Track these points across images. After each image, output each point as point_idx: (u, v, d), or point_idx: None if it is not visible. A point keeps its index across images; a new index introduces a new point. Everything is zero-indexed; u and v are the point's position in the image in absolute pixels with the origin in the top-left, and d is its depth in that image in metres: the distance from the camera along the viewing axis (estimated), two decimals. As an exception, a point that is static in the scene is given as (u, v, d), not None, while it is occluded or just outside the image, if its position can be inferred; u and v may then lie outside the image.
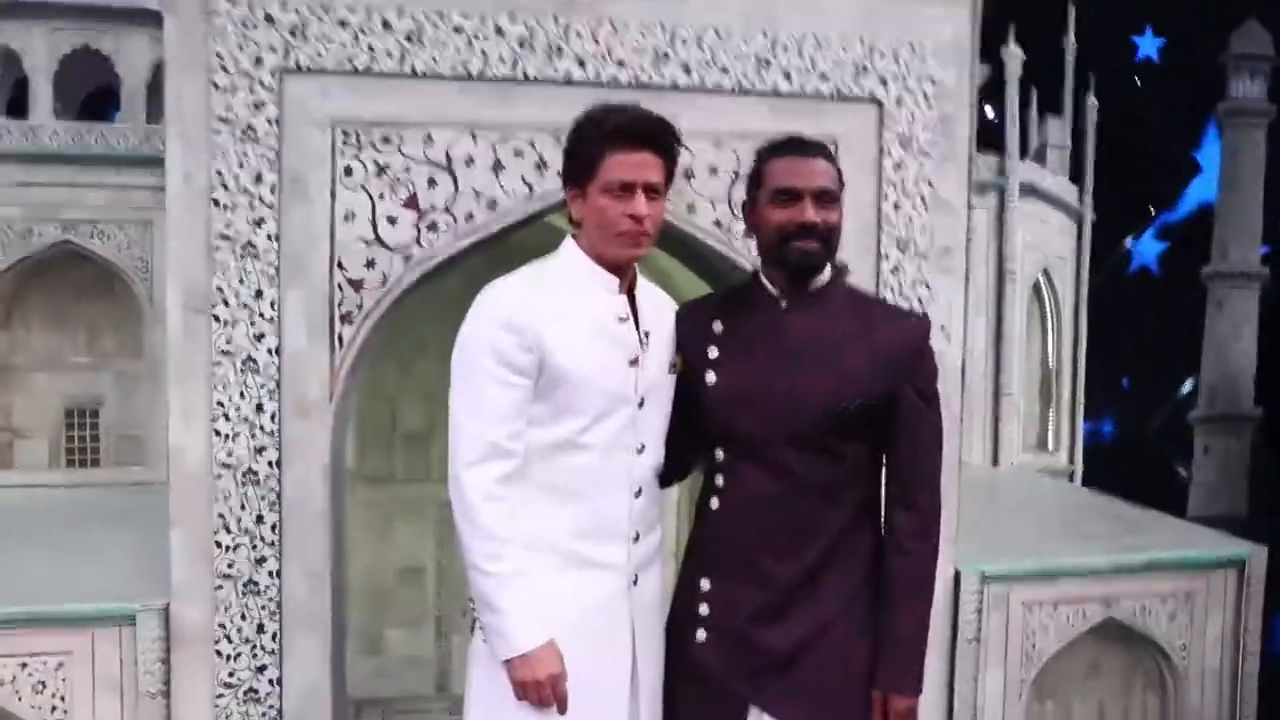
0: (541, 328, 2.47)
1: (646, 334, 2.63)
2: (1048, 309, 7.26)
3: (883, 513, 2.76)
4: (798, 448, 2.62)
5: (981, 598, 4.01)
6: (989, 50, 4.68)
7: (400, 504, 5.11)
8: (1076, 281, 7.40)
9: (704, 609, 2.75)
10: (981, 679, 4.04)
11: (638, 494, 2.60)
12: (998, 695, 4.09)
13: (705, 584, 2.75)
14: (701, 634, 2.75)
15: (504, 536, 2.51)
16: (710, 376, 2.68)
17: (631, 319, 2.62)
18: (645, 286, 2.71)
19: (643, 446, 2.60)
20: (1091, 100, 7.81)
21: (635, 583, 2.66)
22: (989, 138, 5.32)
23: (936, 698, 3.98)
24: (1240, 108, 17.08)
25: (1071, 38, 7.82)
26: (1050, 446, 6.75)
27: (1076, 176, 7.62)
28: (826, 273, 2.71)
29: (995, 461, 5.87)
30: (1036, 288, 7.08)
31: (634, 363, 2.59)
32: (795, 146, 2.68)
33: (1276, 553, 4.47)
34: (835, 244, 2.65)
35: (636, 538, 2.61)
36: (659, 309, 2.75)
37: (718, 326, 2.73)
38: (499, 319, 2.48)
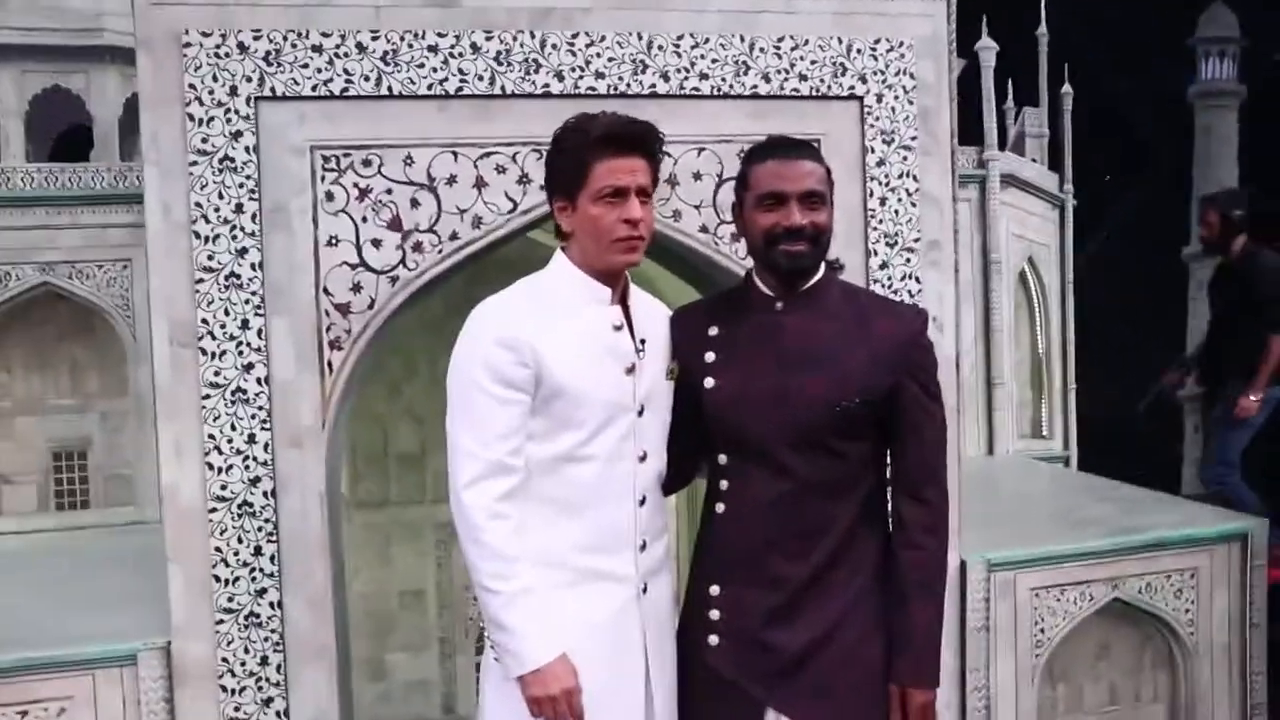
0: (537, 342, 2.46)
1: (642, 341, 2.62)
2: (1034, 297, 7.29)
3: (890, 509, 2.76)
4: (800, 448, 2.62)
5: (988, 586, 4.01)
6: (963, 45, 4.70)
7: (398, 527, 5.09)
8: (1061, 268, 7.43)
9: (715, 614, 2.75)
10: (993, 667, 4.05)
11: (642, 502, 2.60)
12: (1010, 682, 4.09)
13: (715, 589, 2.74)
14: (714, 639, 2.75)
15: (510, 554, 2.50)
16: (709, 381, 2.68)
17: (626, 327, 2.61)
18: (637, 294, 2.71)
19: (645, 454, 2.59)
20: (1066, 88, 7.85)
21: (645, 591, 2.66)
22: (967, 131, 5.34)
23: (949, 688, 3.97)
24: (1211, 89, 17.18)
25: (1044, 28, 7.87)
26: (1045, 432, 6.77)
27: (1055, 164, 7.67)
28: (819, 271, 2.71)
29: (990, 450, 5.87)
30: (1022, 276, 7.12)
31: (631, 371, 2.59)
32: (780, 149, 2.68)
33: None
34: (826, 244, 2.65)
35: (644, 546, 2.61)
36: (653, 316, 2.74)
37: (713, 330, 2.73)
38: (493, 336, 2.47)
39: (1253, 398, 6.14)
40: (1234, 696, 4.36)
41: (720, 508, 2.71)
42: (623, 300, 2.61)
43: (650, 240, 2.55)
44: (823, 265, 2.68)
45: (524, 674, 2.52)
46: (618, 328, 2.57)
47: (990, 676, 4.05)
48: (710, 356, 2.68)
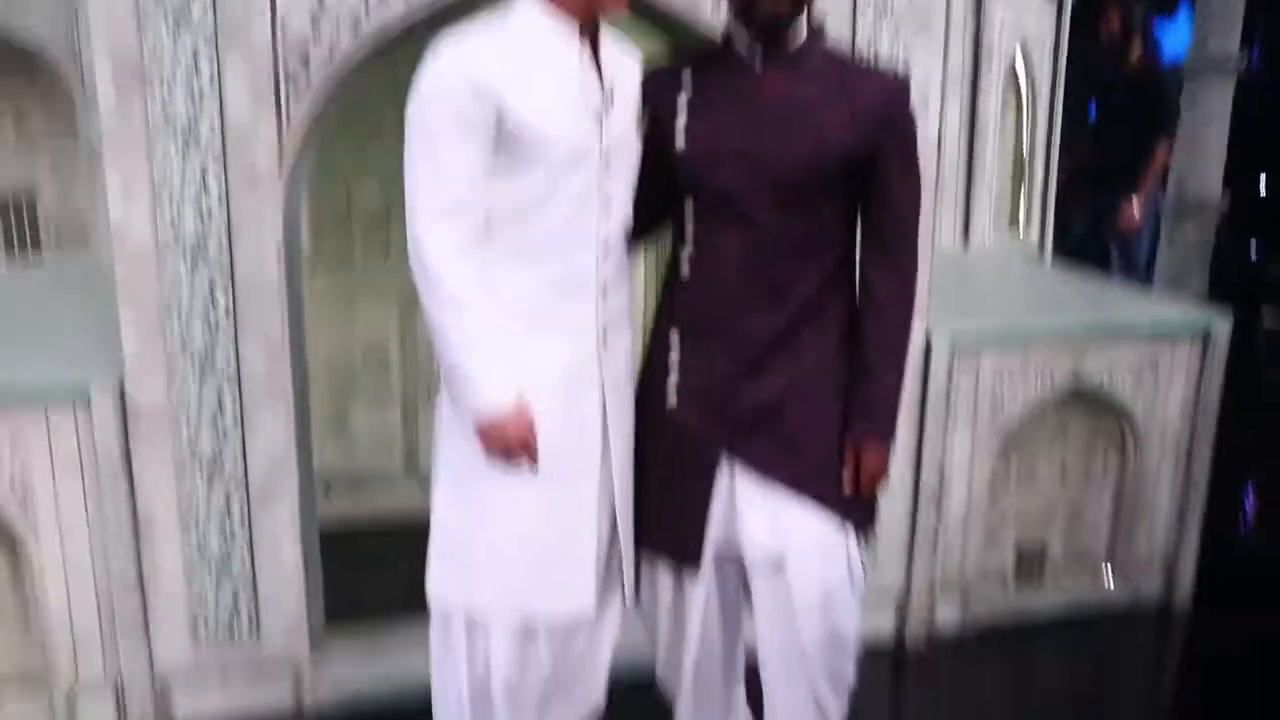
0: (500, 81, 2.35)
1: (612, 89, 2.52)
2: (1023, 92, 7.09)
3: (859, 272, 2.74)
4: (775, 206, 2.58)
5: (952, 362, 4.02)
6: None
7: (361, 286, 5.02)
8: (1054, 62, 7.19)
9: (677, 371, 2.75)
10: (949, 444, 4.10)
11: (606, 252, 2.55)
12: (965, 454, 4.16)
13: (678, 344, 2.74)
14: (674, 395, 2.76)
15: (468, 298, 2.46)
16: (682, 139, 2.64)
17: (595, 73, 2.51)
18: (611, 43, 2.58)
19: (609, 204, 2.53)
20: None
21: (605, 343, 2.63)
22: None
23: (904, 461, 4.04)
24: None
25: None
26: (1021, 227, 6.70)
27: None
28: (803, 33, 2.62)
29: (966, 242, 5.82)
30: (1012, 68, 6.89)
31: (598, 116, 2.48)
32: None
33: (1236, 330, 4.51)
34: (808, 1, 2.56)
35: (606, 295, 2.57)
36: (624, 64, 2.65)
37: (688, 90, 2.67)
38: (455, 73, 2.36)
39: (1135, 209, 6.19)
40: (1177, 478, 4.47)
41: (687, 264, 2.68)
42: (593, 46, 2.50)
43: None
44: (805, 27, 2.58)
45: (480, 418, 2.51)
46: (584, 71, 2.47)
47: (946, 454, 4.11)
48: (684, 113, 2.61)
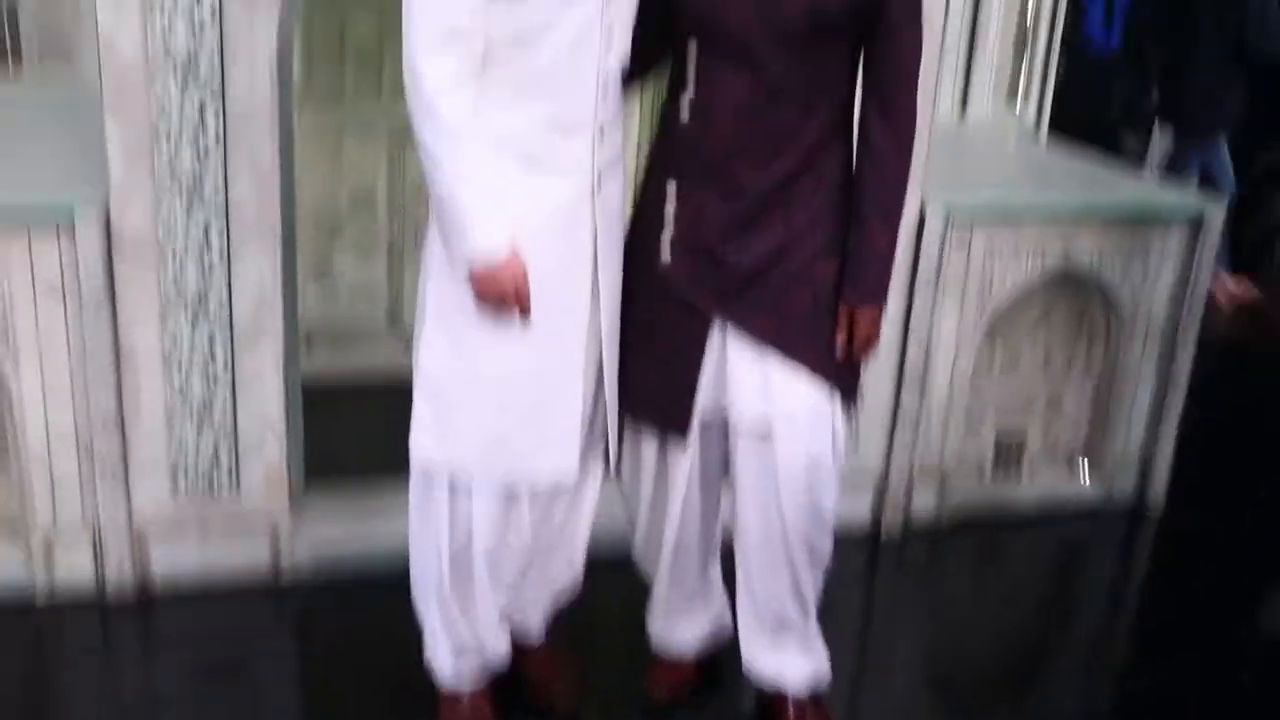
0: None
1: None
2: (1032, -41, 6.90)
3: (858, 126, 2.69)
4: (780, 49, 2.51)
5: (945, 235, 3.99)
6: None
7: (351, 125, 4.88)
8: (1065, -72, 6.99)
9: (671, 223, 2.70)
10: (936, 319, 4.09)
11: (604, 89, 2.48)
12: (951, 334, 4.15)
13: (673, 194, 2.68)
14: (668, 246, 2.71)
15: (466, 129, 2.38)
16: None
17: None
18: None
19: (610, 37, 2.45)
20: None
21: (599, 186, 2.54)
22: None
23: (891, 334, 4.03)
24: None
25: None
26: (1019, 99, 6.58)
27: None
28: None
29: (964, 112, 5.72)
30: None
31: None
32: None
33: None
34: None
35: (602, 134, 2.50)
36: None
37: None
38: None
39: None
40: (1160, 371, 4.49)
41: (685, 109, 2.61)
42: None
43: None
44: None
45: (474, 261, 2.46)
46: None
47: (933, 327, 4.10)
48: None
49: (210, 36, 3.13)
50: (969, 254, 4.08)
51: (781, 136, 2.54)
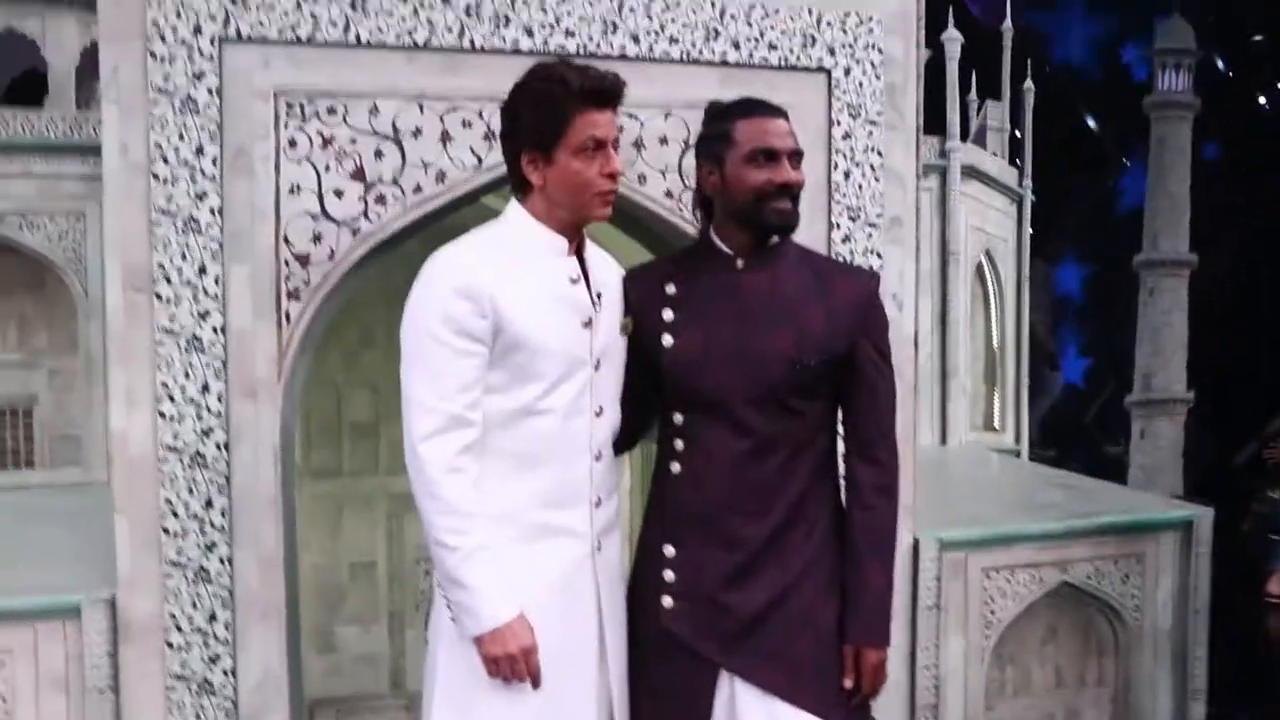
0: (495, 293, 2.41)
1: (598, 295, 2.57)
2: (990, 291, 7.36)
3: (843, 470, 2.76)
4: (760, 406, 2.61)
5: (940, 565, 4.03)
6: (929, 35, 4.74)
7: (350, 498, 5.02)
8: (1018, 263, 7.50)
9: (670, 575, 2.72)
10: (943, 646, 4.07)
11: (598, 457, 2.57)
12: (959, 662, 4.11)
13: (670, 550, 2.72)
14: (669, 600, 2.72)
15: (468, 509, 2.46)
16: (668, 338, 2.67)
17: (583, 280, 2.55)
18: (592, 248, 2.65)
19: (601, 409, 2.56)
20: (1029, 85, 7.94)
21: (599, 549, 2.62)
22: (929, 122, 5.38)
23: (898, 667, 3.98)
24: (1166, 100, 17.48)
25: (1009, 23, 7.95)
26: (997, 426, 6.83)
27: (1015, 160, 7.76)
28: None
29: (944, 441, 5.92)
30: (979, 270, 7.18)
31: (588, 324, 2.54)
32: (763, 106, 2.70)
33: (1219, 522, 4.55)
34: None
35: (599, 502, 2.58)
36: (606, 271, 2.69)
37: (671, 288, 2.72)
38: (451, 285, 2.41)
39: None
40: (1175, 680, 4.42)
41: (676, 467, 2.68)
42: (579, 253, 2.58)
43: None
44: None
45: (481, 633, 2.48)
46: (574, 280, 2.53)
47: (940, 656, 4.07)
48: (669, 314, 2.67)
49: (217, 429, 3.29)
50: (966, 580, 4.11)
51: (771, 488, 2.62)
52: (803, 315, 2.62)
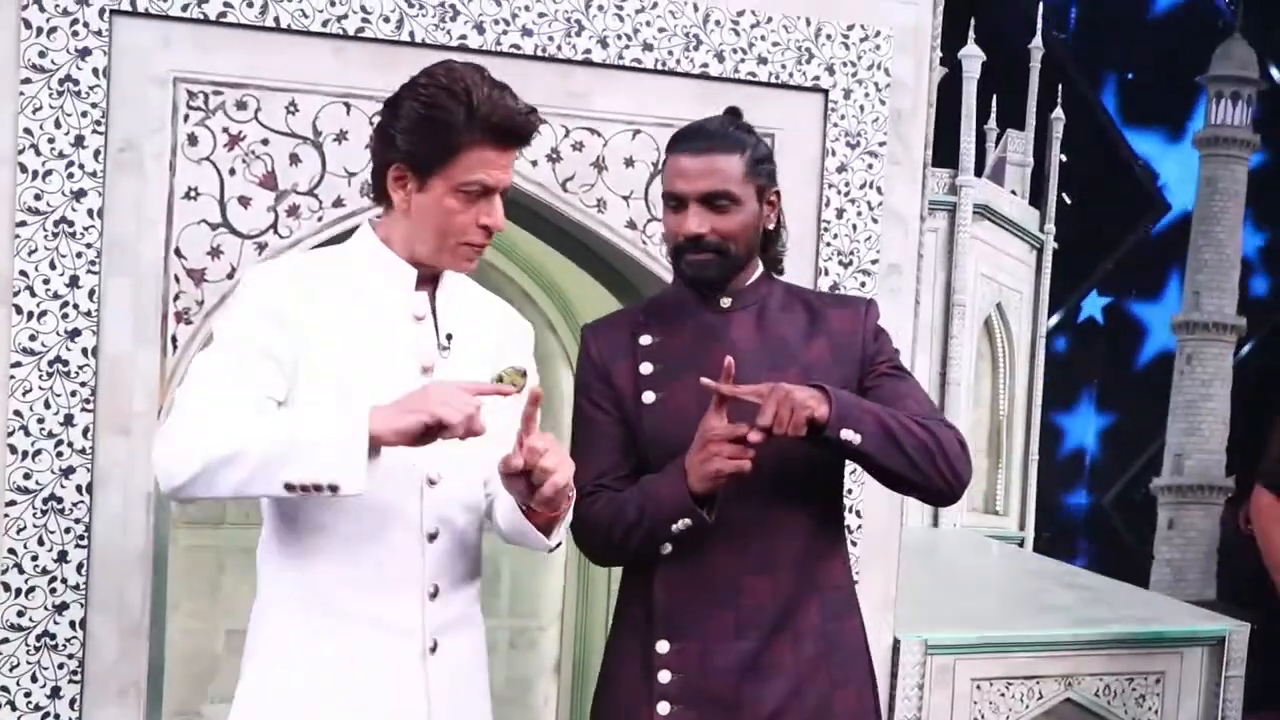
0: (309, 317, 2.42)
1: (449, 336, 2.55)
2: (1000, 351, 7.45)
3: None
4: (761, 462, 2.62)
5: (924, 671, 4.08)
6: (947, 51, 4.83)
7: (231, 551, 4.98)
8: (1034, 319, 7.60)
9: (666, 676, 2.76)
10: (926, 768, 4.11)
11: (433, 537, 2.50)
12: (945, 793, 4.15)
13: (664, 646, 2.75)
14: (665, 707, 2.75)
15: (245, 427, 2.30)
16: (648, 395, 2.73)
17: (431, 318, 2.54)
18: (456, 283, 2.63)
19: (438, 476, 2.49)
20: (1058, 113, 8.06)
21: (433, 650, 2.52)
22: (941, 152, 5.48)
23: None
24: (1220, 135, 17.72)
25: (1039, 41, 8.09)
26: (999, 508, 6.91)
27: (1038, 199, 7.85)
28: (757, 269, 2.79)
29: (936, 522, 5.99)
30: (988, 325, 7.28)
31: (427, 370, 2.50)
32: (689, 139, 2.75)
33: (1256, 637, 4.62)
34: (740, 250, 2.71)
35: (435, 593, 2.52)
36: (475, 310, 2.67)
37: (646, 339, 2.78)
38: (259, 299, 2.43)
39: None
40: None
41: (666, 546, 2.70)
42: (431, 287, 2.57)
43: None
44: (759, 262, 2.77)
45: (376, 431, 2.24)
46: (419, 318, 2.52)
47: (924, 787, 4.11)
48: (646, 367, 2.72)
49: (80, 469, 3.29)
50: (953, 691, 4.15)
51: (778, 556, 2.67)
52: (802, 353, 2.69)
